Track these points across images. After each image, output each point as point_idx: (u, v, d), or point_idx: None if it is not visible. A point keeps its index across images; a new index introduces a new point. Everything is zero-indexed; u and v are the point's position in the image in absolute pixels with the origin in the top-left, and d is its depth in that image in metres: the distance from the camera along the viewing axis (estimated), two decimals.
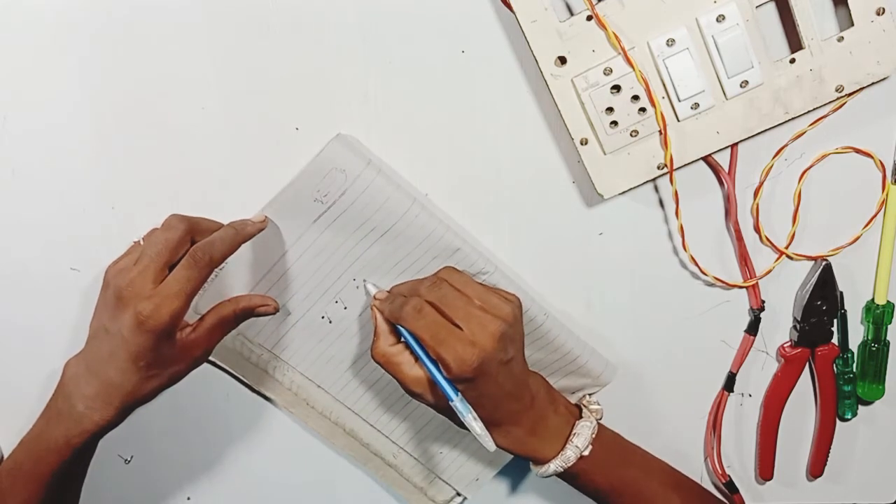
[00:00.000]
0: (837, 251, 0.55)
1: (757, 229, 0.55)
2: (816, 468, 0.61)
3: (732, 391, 0.59)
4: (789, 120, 0.49)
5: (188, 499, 0.63)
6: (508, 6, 0.47)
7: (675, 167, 0.50)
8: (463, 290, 0.48)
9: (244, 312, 0.53)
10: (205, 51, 0.50)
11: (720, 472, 0.61)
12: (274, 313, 0.54)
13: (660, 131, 0.49)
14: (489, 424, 0.48)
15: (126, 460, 0.62)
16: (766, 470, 0.61)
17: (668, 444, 0.57)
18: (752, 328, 0.57)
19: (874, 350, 0.57)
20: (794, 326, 0.57)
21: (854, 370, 0.58)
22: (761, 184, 0.53)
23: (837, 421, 0.60)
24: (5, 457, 0.53)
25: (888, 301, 0.56)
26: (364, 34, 0.50)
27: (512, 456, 0.52)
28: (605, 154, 0.50)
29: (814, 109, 0.49)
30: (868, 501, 0.63)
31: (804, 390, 0.60)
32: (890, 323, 0.56)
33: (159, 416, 0.60)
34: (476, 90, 0.51)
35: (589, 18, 0.47)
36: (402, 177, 0.53)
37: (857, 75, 0.48)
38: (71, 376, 0.49)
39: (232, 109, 0.52)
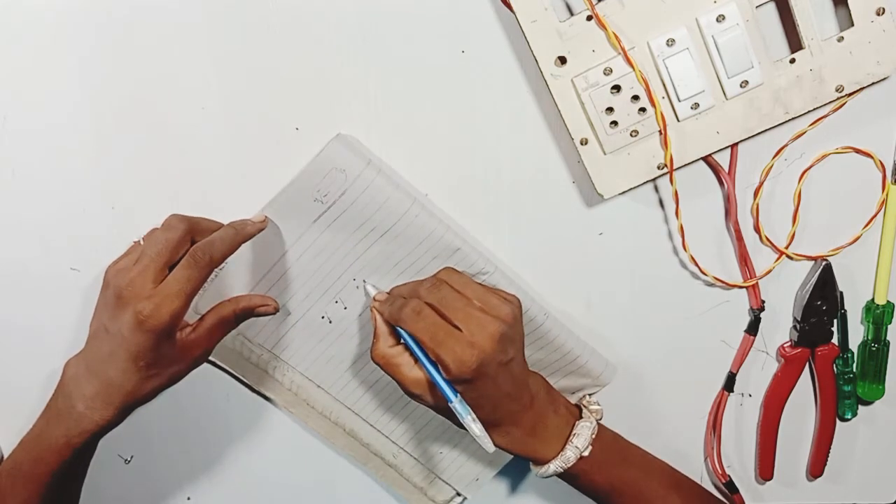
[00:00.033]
0: (837, 251, 0.55)
1: (757, 229, 0.55)
2: (816, 468, 0.61)
3: (732, 391, 0.59)
4: (789, 120, 0.49)
5: (188, 499, 0.64)
6: (508, 6, 0.47)
7: (675, 167, 0.50)
8: (462, 291, 0.48)
9: (244, 312, 0.53)
10: (205, 51, 0.50)
11: (720, 472, 0.61)
12: (274, 313, 0.54)
13: (660, 131, 0.49)
14: (489, 425, 0.48)
15: (126, 460, 0.62)
16: (766, 470, 0.61)
17: (668, 444, 0.57)
18: (752, 328, 0.57)
19: (874, 350, 0.57)
20: (794, 326, 0.57)
21: (854, 370, 0.58)
22: (761, 184, 0.53)
23: (837, 421, 0.60)
24: (5, 457, 0.53)
25: (888, 301, 0.56)
26: (364, 34, 0.50)
27: (512, 456, 0.52)
28: (605, 154, 0.50)
29: (814, 109, 0.49)
30: (868, 501, 0.64)
31: (804, 390, 0.60)
32: (890, 323, 0.56)
33: (159, 416, 0.60)
34: (476, 90, 0.51)
35: (589, 18, 0.47)
36: (402, 177, 0.53)
37: (857, 75, 0.48)
38: (71, 376, 0.49)
39: (232, 109, 0.52)
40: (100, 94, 0.51)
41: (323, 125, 0.51)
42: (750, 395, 0.60)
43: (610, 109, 0.49)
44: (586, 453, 0.50)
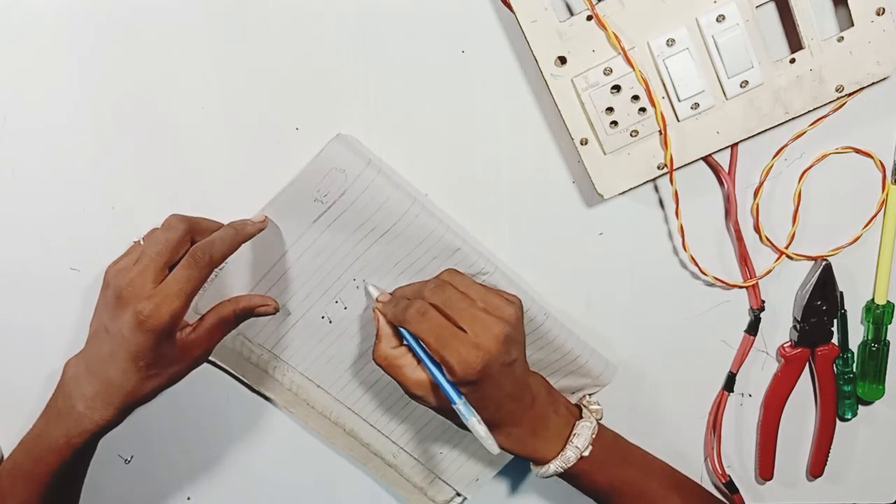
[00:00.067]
0: (837, 251, 0.55)
1: (757, 229, 0.55)
2: (816, 468, 0.61)
3: (732, 391, 0.59)
4: (789, 120, 0.49)
5: (188, 499, 0.64)
6: (508, 6, 0.47)
7: (675, 167, 0.50)
8: (466, 292, 0.48)
9: (244, 312, 0.53)
10: (205, 51, 0.50)
11: (720, 472, 0.61)
12: (274, 313, 0.54)
13: (660, 131, 0.49)
14: (490, 425, 0.48)
15: (126, 460, 0.62)
16: (766, 470, 0.61)
17: (668, 444, 0.57)
18: (752, 328, 0.57)
19: (874, 350, 0.57)
20: (794, 326, 0.57)
21: (854, 370, 0.58)
22: (761, 184, 0.53)
23: (837, 421, 0.60)
24: (5, 457, 0.53)
25: (888, 301, 0.56)
26: (364, 34, 0.50)
27: (512, 456, 0.52)
28: (605, 154, 0.50)
29: (814, 109, 0.49)
30: (868, 501, 0.64)
31: (804, 390, 0.60)
32: (890, 323, 0.56)
33: (159, 416, 0.60)
34: (476, 90, 0.51)
35: (589, 18, 0.47)
36: (402, 177, 0.53)
37: (857, 75, 0.48)
38: (71, 376, 0.49)
39: (232, 109, 0.52)
40: (100, 94, 0.51)
41: (323, 125, 0.51)
42: (750, 395, 0.60)
43: (610, 109, 0.49)
44: (586, 453, 0.50)
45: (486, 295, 0.48)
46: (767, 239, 0.55)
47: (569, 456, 0.50)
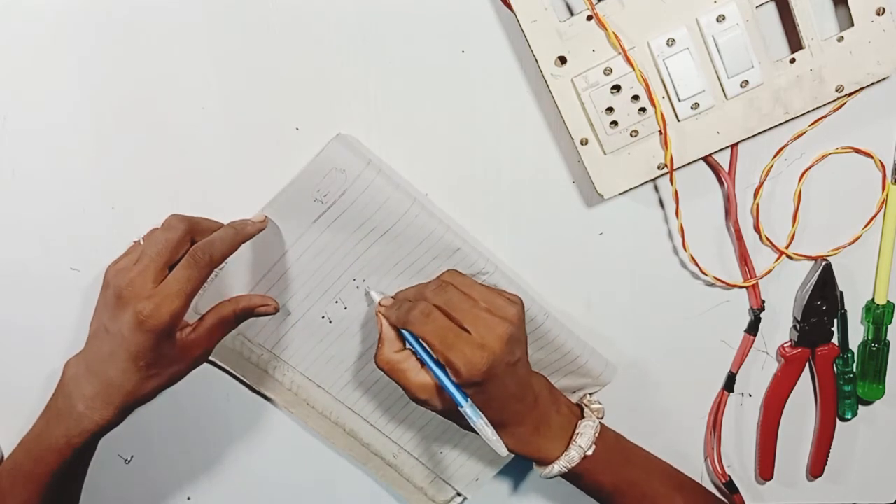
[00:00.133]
0: (837, 251, 0.55)
1: (757, 229, 0.55)
2: (816, 468, 0.61)
3: (732, 391, 0.59)
4: (789, 120, 0.49)
5: (188, 499, 0.64)
6: (508, 6, 0.47)
7: (675, 167, 0.50)
8: (468, 292, 0.47)
9: (244, 312, 0.53)
10: (205, 51, 0.50)
11: (720, 472, 0.61)
12: (274, 313, 0.54)
13: (660, 131, 0.49)
14: (495, 426, 0.47)
15: (126, 460, 0.62)
16: (766, 470, 0.61)
17: (668, 444, 0.57)
18: (752, 328, 0.57)
19: (874, 350, 0.57)
20: (794, 326, 0.57)
21: (854, 370, 0.58)
22: (761, 184, 0.53)
23: (837, 421, 0.60)
24: (5, 457, 0.53)
25: (888, 301, 0.56)
26: (364, 34, 0.50)
27: (513, 456, 0.52)
28: (605, 154, 0.50)
29: (814, 109, 0.49)
30: (868, 501, 0.64)
31: (804, 390, 0.60)
32: (890, 323, 0.56)
33: (159, 416, 0.60)
34: (476, 90, 0.51)
35: (589, 18, 0.47)
36: (402, 177, 0.53)
37: (857, 75, 0.48)
38: (71, 376, 0.49)
39: (232, 109, 0.52)
40: (100, 94, 0.51)
41: (323, 125, 0.51)
42: (750, 395, 0.60)
43: (610, 109, 0.49)
44: (590, 452, 0.50)
45: (488, 295, 0.48)
46: (767, 239, 0.55)
47: (573, 455, 0.50)
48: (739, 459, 0.62)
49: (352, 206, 0.51)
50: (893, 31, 0.47)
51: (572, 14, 0.48)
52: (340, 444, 0.60)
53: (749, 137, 0.50)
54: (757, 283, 0.56)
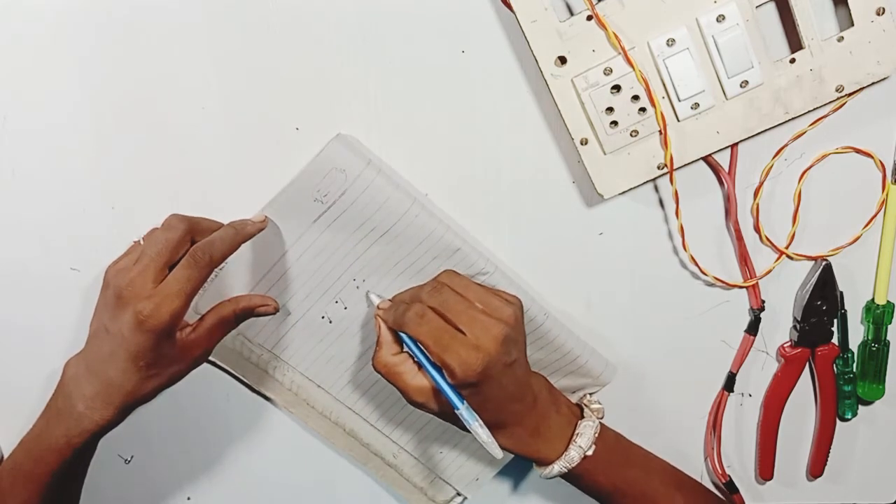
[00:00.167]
0: (837, 251, 0.55)
1: (757, 229, 0.55)
2: (816, 468, 0.61)
3: (732, 391, 0.59)
4: (789, 120, 0.49)
5: (188, 499, 0.64)
6: (508, 6, 0.47)
7: (675, 167, 0.50)
8: (464, 293, 0.47)
9: (244, 312, 0.53)
10: (205, 51, 0.50)
11: (720, 472, 0.61)
12: (274, 313, 0.54)
13: (660, 131, 0.49)
14: (493, 427, 0.47)
15: (126, 460, 0.62)
16: (766, 470, 0.61)
17: (668, 444, 0.57)
18: (752, 328, 0.57)
19: (874, 350, 0.57)
20: (794, 326, 0.57)
21: (854, 370, 0.58)
22: (761, 184, 0.53)
23: (837, 421, 0.60)
24: (5, 457, 0.53)
25: (888, 301, 0.56)
26: (364, 34, 0.50)
27: (512, 456, 0.52)
28: (605, 154, 0.50)
29: (814, 109, 0.49)
30: (868, 501, 0.64)
31: (804, 390, 0.60)
32: (890, 323, 0.56)
33: (159, 416, 0.60)
34: (476, 90, 0.51)
35: (589, 18, 0.47)
36: (402, 177, 0.53)
37: (857, 75, 0.48)
38: (71, 376, 0.49)
39: (232, 109, 0.52)
40: (100, 94, 0.51)
41: (323, 125, 0.51)
42: (750, 395, 0.60)
43: (610, 109, 0.49)
44: (590, 452, 0.50)
45: (484, 296, 0.48)
46: (767, 239, 0.55)
47: (572, 456, 0.50)
48: (739, 459, 0.62)
49: (352, 206, 0.51)
50: (893, 31, 0.47)
51: (572, 14, 0.48)
52: (340, 444, 0.60)
53: (749, 137, 0.50)
54: (757, 283, 0.56)
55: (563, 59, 0.48)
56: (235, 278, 0.54)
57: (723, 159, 0.52)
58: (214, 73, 0.51)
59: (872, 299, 0.56)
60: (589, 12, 0.46)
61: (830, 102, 0.49)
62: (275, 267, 0.54)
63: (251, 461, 0.62)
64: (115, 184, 0.53)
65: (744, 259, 0.55)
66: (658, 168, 0.51)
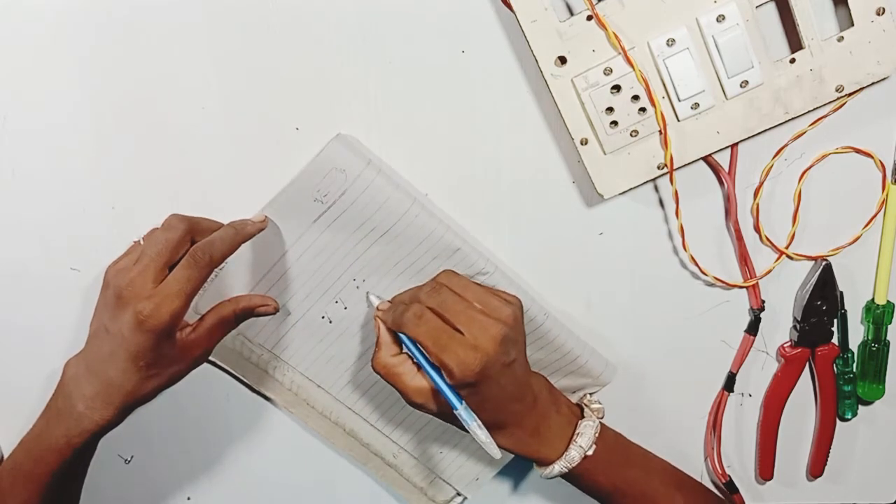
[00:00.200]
0: (837, 251, 0.55)
1: (757, 229, 0.55)
2: (816, 468, 0.61)
3: (732, 391, 0.59)
4: (789, 120, 0.49)
5: (188, 499, 0.64)
6: (508, 6, 0.47)
7: (675, 167, 0.50)
8: (462, 293, 0.47)
9: (244, 312, 0.53)
10: (205, 51, 0.50)
11: (720, 472, 0.61)
12: (274, 313, 0.54)
13: (660, 131, 0.49)
14: (492, 427, 0.48)
15: (126, 460, 0.62)
16: (766, 470, 0.61)
17: (668, 444, 0.57)
18: (752, 328, 0.57)
19: (874, 350, 0.57)
20: (794, 326, 0.57)
21: (854, 370, 0.58)
22: (761, 184, 0.53)
23: (837, 421, 0.60)
24: (5, 457, 0.53)
25: (888, 301, 0.56)
26: (364, 34, 0.50)
27: (512, 455, 0.52)
28: (605, 154, 0.50)
29: (814, 109, 0.49)
30: (868, 501, 0.64)
31: (804, 390, 0.60)
32: (890, 323, 0.56)
33: (159, 416, 0.60)
34: (476, 90, 0.51)
35: (589, 18, 0.47)
36: (402, 177, 0.53)
37: (857, 75, 0.48)
38: (71, 376, 0.49)
39: (232, 109, 0.52)
40: (100, 94, 0.51)
41: (323, 125, 0.51)
42: (750, 395, 0.60)
43: (610, 109, 0.49)
44: (590, 452, 0.50)
45: (483, 296, 0.48)
46: (767, 239, 0.55)
47: (573, 456, 0.50)
48: (739, 459, 0.62)
49: (352, 206, 0.51)
50: (893, 31, 0.47)
51: (572, 14, 0.48)
52: (340, 444, 0.60)
53: (749, 137, 0.50)
54: (757, 283, 0.56)
55: (563, 59, 0.48)
56: (235, 278, 0.54)
57: (723, 159, 0.52)
58: (214, 73, 0.51)
59: (872, 299, 0.56)
60: (589, 12, 0.46)
61: (830, 102, 0.49)
62: (275, 267, 0.54)
63: (251, 461, 0.62)
64: (115, 184, 0.53)
65: (744, 259, 0.55)
66: (658, 168, 0.51)
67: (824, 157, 0.53)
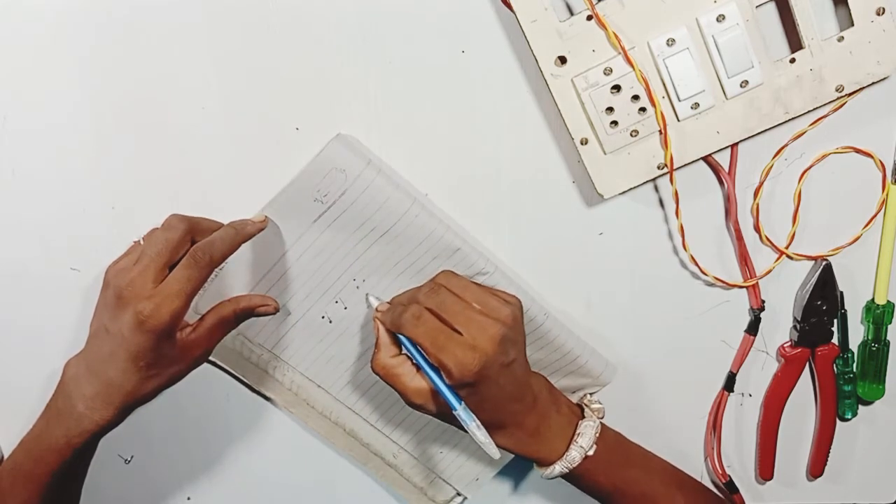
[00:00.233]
0: (837, 251, 0.55)
1: (757, 229, 0.55)
2: (816, 468, 0.61)
3: (732, 391, 0.59)
4: (789, 120, 0.49)
5: (188, 499, 0.64)
6: (508, 6, 0.47)
7: (675, 167, 0.50)
8: (461, 294, 0.47)
9: (244, 312, 0.53)
10: (205, 51, 0.50)
11: (720, 472, 0.61)
12: (274, 313, 0.54)
13: (660, 131, 0.49)
14: (492, 427, 0.47)
15: (126, 460, 0.62)
16: (766, 470, 0.61)
17: (668, 444, 0.57)
18: (752, 328, 0.57)
19: (874, 350, 0.57)
20: (794, 326, 0.57)
21: (854, 370, 0.58)
22: (761, 184, 0.53)
23: (837, 421, 0.60)
24: (5, 457, 0.53)
25: (888, 301, 0.56)
26: (364, 34, 0.50)
27: (512, 455, 0.52)
28: (605, 154, 0.50)
29: (814, 109, 0.49)
30: (868, 501, 0.64)
31: (804, 390, 0.60)
32: (890, 323, 0.56)
33: (159, 416, 0.60)
34: (476, 90, 0.51)
35: (589, 18, 0.47)
36: (402, 177, 0.53)
37: (857, 75, 0.48)
38: (71, 376, 0.49)
39: (232, 109, 0.52)
40: (100, 94, 0.51)
41: (323, 125, 0.51)
42: (750, 395, 0.60)
43: (610, 109, 0.49)
44: (591, 453, 0.50)
45: (482, 296, 0.48)
46: (767, 239, 0.55)
47: (573, 456, 0.50)
48: (739, 459, 0.62)
49: (352, 206, 0.50)
50: (893, 31, 0.47)
51: (572, 14, 0.48)
52: (340, 444, 0.60)
53: (749, 137, 0.50)
54: (757, 283, 0.56)
55: (563, 59, 0.48)
56: (235, 278, 0.54)
57: (723, 159, 0.52)
58: (214, 73, 0.51)
59: (872, 299, 0.56)
60: (589, 12, 0.46)
61: (830, 102, 0.49)
62: (275, 267, 0.54)
63: (251, 461, 0.62)
64: (115, 184, 0.53)
65: (744, 259, 0.55)
66: (658, 168, 0.51)
67: (824, 157, 0.53)
